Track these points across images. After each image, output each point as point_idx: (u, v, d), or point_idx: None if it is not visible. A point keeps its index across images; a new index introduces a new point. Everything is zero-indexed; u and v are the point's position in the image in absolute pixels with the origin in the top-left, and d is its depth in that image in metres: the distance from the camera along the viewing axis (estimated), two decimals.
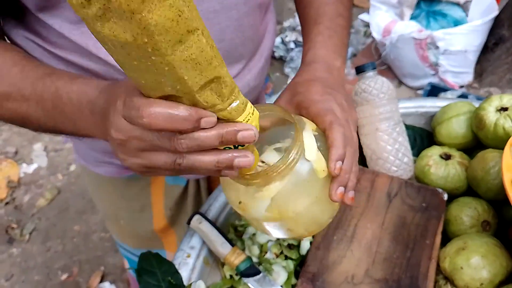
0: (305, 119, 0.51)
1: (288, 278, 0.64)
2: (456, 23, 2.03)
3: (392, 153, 0.75)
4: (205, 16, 0.58)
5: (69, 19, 0.53)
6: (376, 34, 2.08)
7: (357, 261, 0.64)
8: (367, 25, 2.45)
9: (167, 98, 0.35)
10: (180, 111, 0.34)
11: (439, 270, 0.63)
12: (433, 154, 0.74)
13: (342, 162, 0.47)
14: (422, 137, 0.83)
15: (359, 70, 0.77)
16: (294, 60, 2.48)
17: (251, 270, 0.63)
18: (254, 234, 0.70)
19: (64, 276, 1.80)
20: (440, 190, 0.70)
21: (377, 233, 0.67)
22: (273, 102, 0.58)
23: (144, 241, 0.91)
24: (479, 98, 1.19)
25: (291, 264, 0.66)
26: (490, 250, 0.59)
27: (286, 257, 0.68)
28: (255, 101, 0.80)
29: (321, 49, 0.61)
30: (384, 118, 0.75)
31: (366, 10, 2.54)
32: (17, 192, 2.14)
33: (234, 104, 0.37)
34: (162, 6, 0.28)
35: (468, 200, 0.69)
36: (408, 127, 0.81)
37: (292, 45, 2.53)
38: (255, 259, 0.67)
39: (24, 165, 2.25)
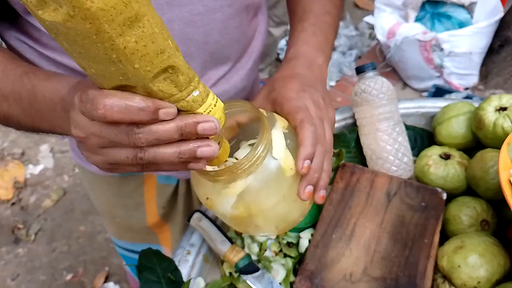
0: (277, 116, 0.51)
1: (287, 276, 0.65)
2: (461, 25, 2.02)
3: (392, 153, 0.75)
4: (189, 18, 0.58)
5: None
6: (381, 36, 2.08)
7: (355, 260, 0.64)
8: (371, 27, 2.46)
9: (123, 89, 0.34)
10: (136, 101, 0.33)
11: (437, 269, 0.63)
12: (432, 154, 0.74)
13: (311, 161, 0.47)
14: (422, 137, 0.83)
15: (359, 70, 0.77)
16: None
17: (250, 267, 0.64)
18: None
19: (69, 276, 1.81)
20: (440, 190, 0.71)
21: (376, 232, 0.67)
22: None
23: (140, 236, 0.92)
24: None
25: (289, 262, 0.67)
26: (487, 248, 0.59)
27: (285, 255, 0.68)
28: None
29: (303, 46, 0.61)
30: (384, 118, 0.75)
31: (371, 12, 2.54)
32: (23, 193, 2.16)
33: (194, 94, 0.36)
34: None
35: (467, 200, 0.69)
36: (408, 127, 0.82)
37: None
38: (254, 257, 0.68)
39: (31, 166, 2.28)
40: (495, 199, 0.68)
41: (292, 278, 0.66)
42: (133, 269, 1.08)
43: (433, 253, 0.64)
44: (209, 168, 0.48)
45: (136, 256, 0.64)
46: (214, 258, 0.69)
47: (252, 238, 0.70)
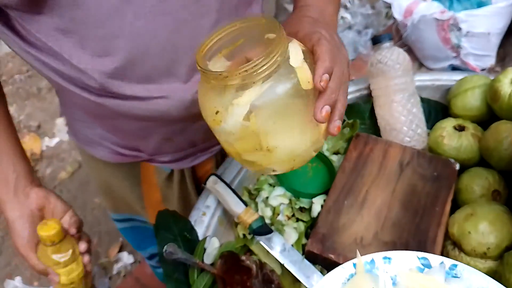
0: (292, 38, 0.48)
1: (299, 239, 0.67)
2: (480, 4, 1.98)
3: (406, 123, 0.76)
4: (174, 26, 0.56)
5: (48, 25, 0.53)
6: (398, 15, 2.06)
7: (366, 225, 0.66)
8: (388, 6, 2.42)
9: None
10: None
11: (447, 236, 0.65)
12: (447, 125, 0.75)
13: (329, 78, 0.45)
14: (437, 110, 0.83)
15: (376, 41, 0.78)
16: None
17: (263, 229, 0.65)
18: (267, 198, 0.72)
19: None
20: (452, 160, 0.71)
21: (388, 200, 0.68)
22: None
23: (137, 211, 0.93)
24: None
25: (302, 226, 0.68)
26: (497, 216, 0.60)
27: (298, 220, 0.70)
28: None
29: None
30: (399, 89, 0.76)
31: None
32: (39, 165, 2.20)
33: None
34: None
35: (479, 171, 0.70)
36: (423, 100, 0.82)
37: None
38: (267, 221, 0.70)
39: (47, 138, 2.32)
40: (507, 170, 0.68)
41: (304, 241, 0.67)
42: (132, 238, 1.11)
43: (444, 221, 0.65)
44: (218, 69, 0.45)
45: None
46: (228, 221, 0.71)
47: (265, 203, 0.72)
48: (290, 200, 0.72)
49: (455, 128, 0.74)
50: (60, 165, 2.19)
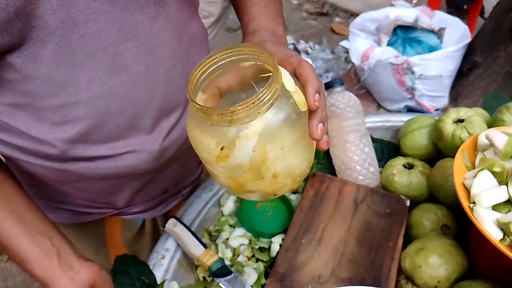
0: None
1: (258, 279, 0.67)
2: (431, 49, 2.12)
3: (359, 163, 0.79)
4: (131, 81, 0.57)
5: (1, 102, 0.52)
6: (355, 59, 2.16)
7: (324, 262, 0.67)
8: (347, 51, 2.54)
9: None
10: None
11: (400, 270, 0.67)
12: (397, 164, 0.79)
13: (320, 96, 0.46)
14: (389, 149, 0.87)
15: (328, 85, 0.82)
16: None
17: (222, 271, 0.66)
18: (227, 239, 0.73)
19: None
20: (404, 197, 0.75)
21: (344, 236, 0.70)
22: None
23: None
24: None
25: (261, 266, 0.69)
26: (446, 249, 0.63)
27: (257, 260, 0.71)
28: None
29: (261, 18, 0.60)
30: (351, 130, 0.79)
31: (346, 37, 2.64)
32: None
33: None
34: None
35: (428, 206, 0.73)
36: (376, 140, 0.86)
37: None
38: (228, 262, 0.70)
39: None
40: (455, 205, 0.72)
41: (263, 280, 0.68)
42: None
43: (397, 256, 0.68)
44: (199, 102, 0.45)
45: None
46: (188, 263, 0.71)
47: (225, 244, 0.73)
48: (250, 240, 0.73)
49: (404, 166, 0.78)
50: None
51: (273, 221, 0.77)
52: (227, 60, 0.48)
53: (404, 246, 0.69)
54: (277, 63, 0.47)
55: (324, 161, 0.84)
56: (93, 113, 0.55)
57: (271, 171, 0.46)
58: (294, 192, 0.81)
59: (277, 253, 0.69)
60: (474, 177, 0.59)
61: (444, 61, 2.05)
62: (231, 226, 0.76)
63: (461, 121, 0.75)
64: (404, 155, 0.82)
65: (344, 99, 0.80)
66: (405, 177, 0.77)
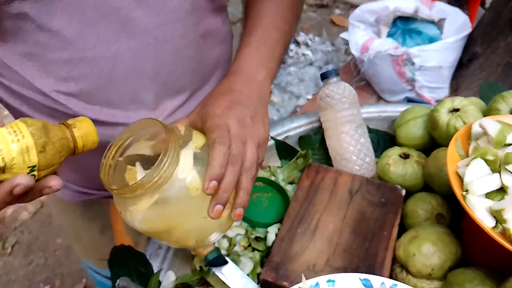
0: (197, 135, 0.52)
1: (254, 268, 0.68)
2: (431, 40, 2.11)
3: (355, 153, 0.80)
4: (138, 50, 0.58)
5: (12, 50, 0.54)
6: (355, 51, 2.16)
7: (318, 252, 0.68)
8: (347, 43, 2.53)
9: None
10: None
11: (395, 259, 0.67)
12: (392, 154, 0.79)
13: (220, 181, 0.49)
14: (385, 140, 0.87)
15: (323, 76, 0.82)
16: (277, 77, 2.55)
17: (218, 260, 0.66)
18: None
19: None
20: (399, 187, 0.75)
21: (339, 226, 0.71)
22: None
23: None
24: None
25: (257, 255, 0.70)
26: (440, 238, 0.64)
27: (254, 249, 0.71)
28: None
29: (245, 61, 0.61)
30: (346, 121, 0.80)
31: (346, 29, 2.63)
32: None
33: None
34: None
35: (423, 195, 0.73)
36: (372, 130, 0.86)
37: None
38: (224, 252, 0.71)
39: None
40: (449, 194, 0.72)
41: (259, 270, 0.69)
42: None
43: (392, 245, 0.68)
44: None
45: (105, 279, 0.65)
46: (184, 253, 0.72)
47: None
48: (246, 230, 0.74)
49: (400, 156, 0.79)
50: (22, 205, 2.13)
51: (269, 211, 0.77)
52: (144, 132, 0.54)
53: (399, 236, 0.69)
54: (206, 129, 0.52)
55: (320, 152, 0.85)
56: (97, 73, 0.57)
57: (162, 237, 0.54)
58: (291, 183, 0.82)
59: (273, 243, 0.70)
60: (467, 165, 0.59)
61: (444, 52, 2.05)
62: None
63: (456, 110, 0.75)
64: (400, 145, 0.83)
65: (339, 90, 0.80)
66: (400, 167, 0.77)
